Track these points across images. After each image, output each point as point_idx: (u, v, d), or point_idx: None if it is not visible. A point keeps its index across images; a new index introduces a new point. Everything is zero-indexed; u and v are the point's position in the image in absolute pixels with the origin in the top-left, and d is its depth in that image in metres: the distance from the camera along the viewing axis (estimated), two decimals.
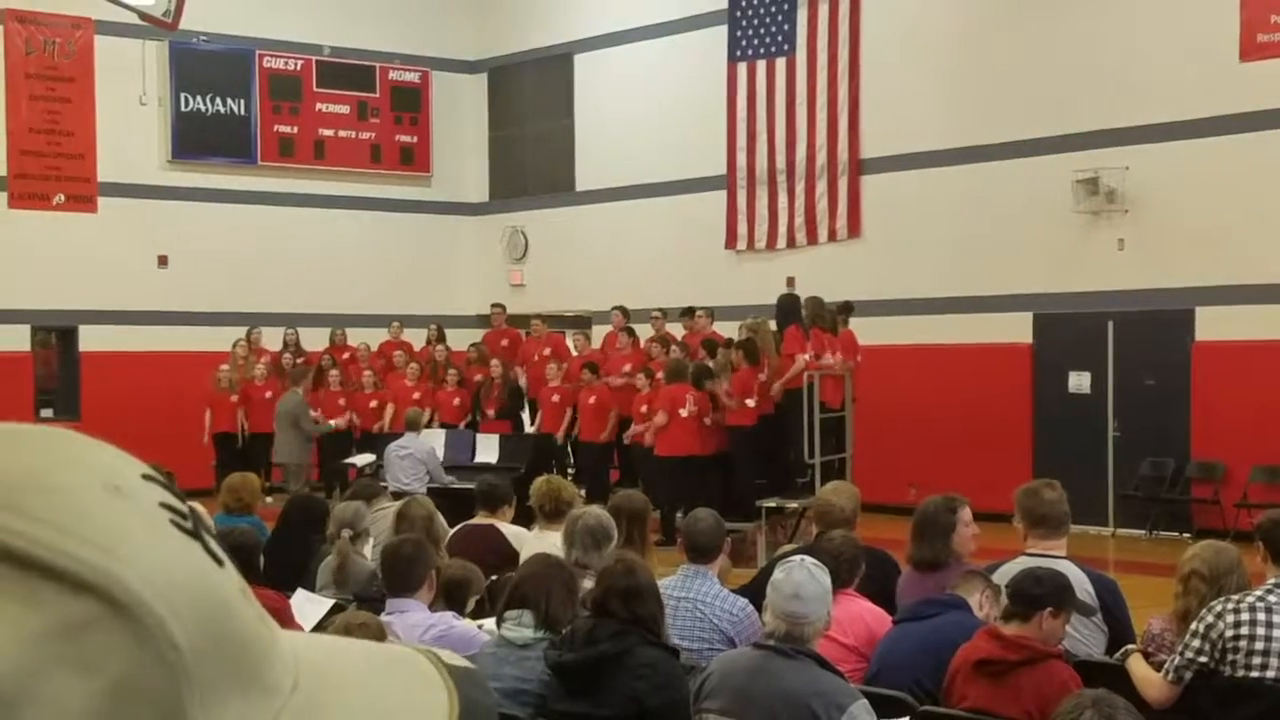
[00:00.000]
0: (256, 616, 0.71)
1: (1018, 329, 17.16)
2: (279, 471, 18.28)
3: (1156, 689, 5.32)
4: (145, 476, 0.71)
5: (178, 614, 0.65)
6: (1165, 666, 5.35)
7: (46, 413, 19.13)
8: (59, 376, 19.97)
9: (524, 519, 8.86)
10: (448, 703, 0.74)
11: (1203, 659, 5.23)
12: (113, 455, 0.71)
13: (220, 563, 0.70)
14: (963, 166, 17.54)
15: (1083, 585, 5.82)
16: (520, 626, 5.35)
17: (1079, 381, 16.76)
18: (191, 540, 0.69)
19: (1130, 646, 5.67)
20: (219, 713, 0.66)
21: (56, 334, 20.30)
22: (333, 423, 17.91)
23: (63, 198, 20.13)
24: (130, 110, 20.45)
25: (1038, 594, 5.15)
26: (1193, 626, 5.31)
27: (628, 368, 17.07)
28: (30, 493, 0.65)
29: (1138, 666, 5.47)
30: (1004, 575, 5.74)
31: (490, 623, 5.92)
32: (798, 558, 4.87)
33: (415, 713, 0.73)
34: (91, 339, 20.13)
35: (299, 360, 19.03)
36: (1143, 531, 15.93)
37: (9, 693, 0.61)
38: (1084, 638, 5.90)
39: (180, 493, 0.72)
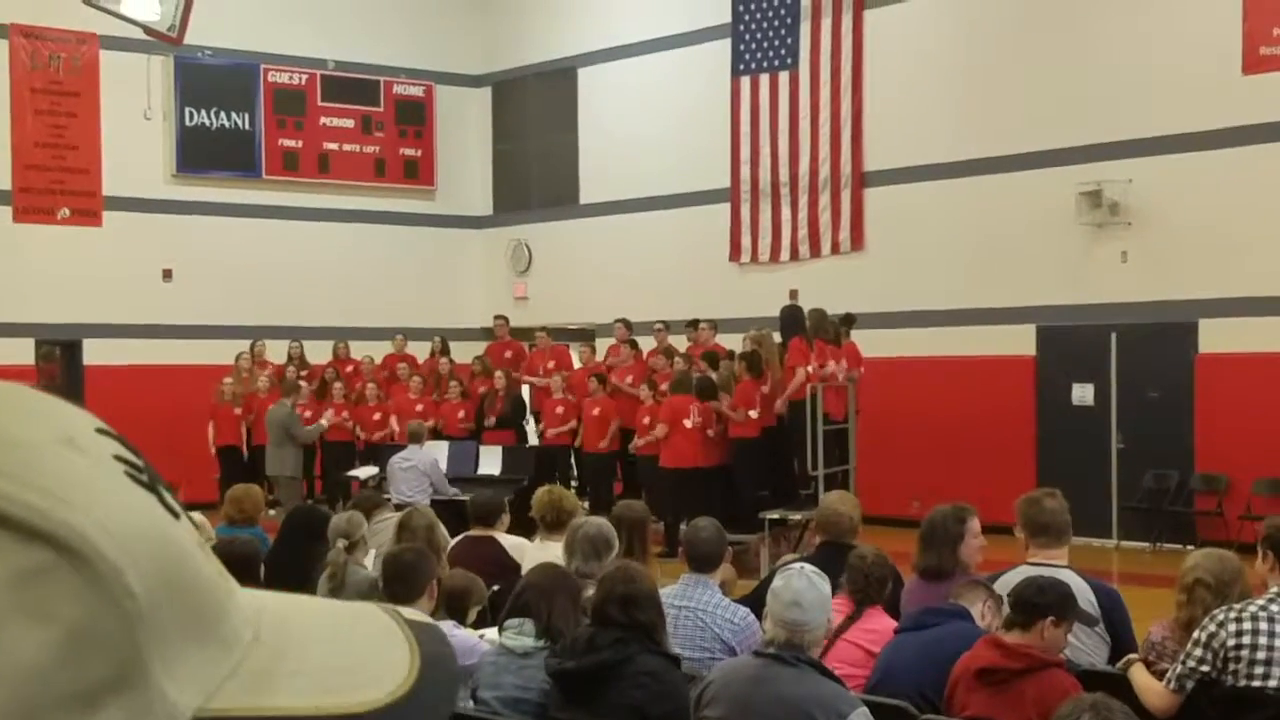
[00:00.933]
0: (215, 571, 0.71)
1: (1021, 341, 17.15)
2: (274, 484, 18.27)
3: (1158, 698, 5.31)
4: (99, 430, 0.70)
5: (135, 563, 0.65)
6: (1167, 676, 5.34)
7: None
8: (63, 390, 19.87)
9: (526, 529, 8.86)
10: (409, 655, 0.73)
11: (1205, 668, 5.22)
12: (65, 409, 0.71)
13: (176, 515, 0.70)
14: (966, 179, 17.56)
15: (1085, 595, 5.81)
16: (521, 635, 5.35)
17: (1082, 394, 16.75)
18: (148, 493, 0.69)
19: (1132, 656, 5.66)
20: (177, 663, 0.66)
21: (60, 347, 20.31)
22: (323, 420, 17.82)
23: (67, 212, 20.16)
24: (135, 124, 20.50)
25: (1040, 603, 5.14)
26: (1195, 635, 5.30)
27: (630, 379, 17.09)
28: None
29: (1139, 675, 5.46)
30: (1005, 585, 5.73)
31: (491, 633, 5.92)
32: (797, 566, 4.87)
33: (377, 665, 0.72)
34: (96, 352, 20.16)
35: (302, 373, 19.04)
36: (1146, 544, 15.91)
37: None
38: (1086, 648, 5.88)
39: (135, 448, 0.72)
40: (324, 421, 17.82)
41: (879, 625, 5.90)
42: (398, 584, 5.87)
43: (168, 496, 0.70)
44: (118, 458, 0.70)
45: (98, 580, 0.64)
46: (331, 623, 0.75)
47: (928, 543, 6.35)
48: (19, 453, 0.65)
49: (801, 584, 4.60)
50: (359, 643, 0.74)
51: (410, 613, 0.78)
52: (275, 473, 17.20)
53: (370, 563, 7.50)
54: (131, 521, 0.67)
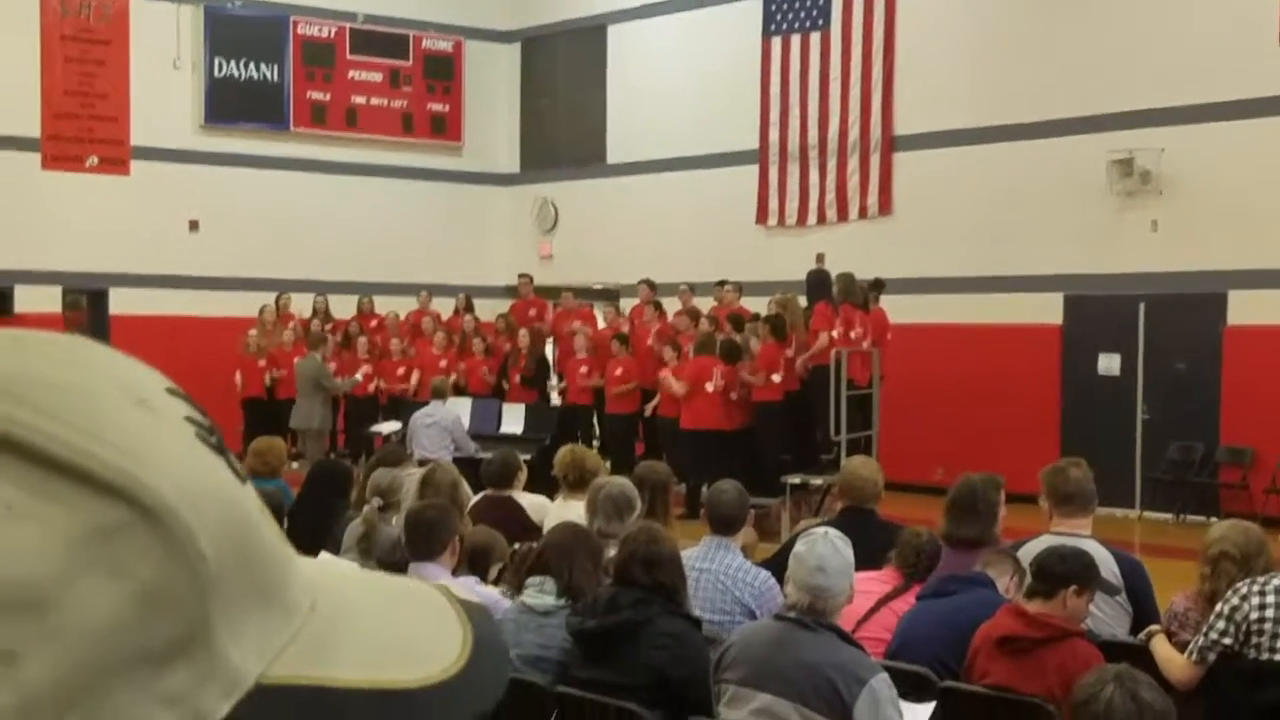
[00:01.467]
0: (276, 537, 0.70)
1: (1048, 310, 17.07)
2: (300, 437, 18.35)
3: (1180, 669, 5.30)
4: (170, 390, 0.70)
5: (205, 525, 0.64)
6: (1189, 648, 5.32)
7: None
8: (89, 339, 20.02)
9: (548, 488, 8.86)
10: (461, 634, 0.73)
11: (1227, 640, 5.20)
12: (137, 366, 0.70)
13: (243, 480, 0.70)
14: (996, 145, 17.43)
15: (1108, 564, 5.79)
16: (542, 594, 5.35)
17: (1109, 363, 16.67)
18: (217, 456, 0.69)
19: (1154, 627, 5.65)
20: (241, 627, 0.66)
21: (88, 296, 20.38)
22: (358, 376, 17.92)
23: (96, 160, 20.19)
24: (164, 74, 20.50)
25: (1062, 571, 5.12)
26: (1217, 608, 5.28)
27: (651, 340, 17.07)
28: (50, 391, 0.64)
29: (1161, 647, 5.44)
30: (1028, 554, 5.71)
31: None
32: (821, 530, 4.85)
33: (430, 642, 0.72)
34: (122, 302, 20.22)
35: (326, 326, 19.09)
36: (1170, 515, 15.86)
37: (39, 595, 0.60)
38: (1108, 617, 5.87)
39: (203, 409, 0.71)
40: (358, 377, 17.91)
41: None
42: (420, 541, 5.88)
43: (234, 460, 0.70)
44: (188, 419, 0.69)
45: (172, 541, 0.63)
46: (384, 597, 0.75)
47: (962, 512, 6.25)
48: (95, 409, 0.65)
49: (826, 549, 4.58)
50: (411, 618, 0.73)
51: (461, 593, 0.77)
52: (302, 426, 17.27)
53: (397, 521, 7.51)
54: (203, 484, 0.66)
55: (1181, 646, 5.40)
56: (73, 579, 0.61)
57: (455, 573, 5.97)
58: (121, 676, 0.61)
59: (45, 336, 0.68)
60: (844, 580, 4.63)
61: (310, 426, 17.22)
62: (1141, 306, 16.28)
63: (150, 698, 0.62)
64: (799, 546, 4.70)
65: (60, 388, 0.64)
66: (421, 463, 10.82)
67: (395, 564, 6.34)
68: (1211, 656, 5.24)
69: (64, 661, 0.60)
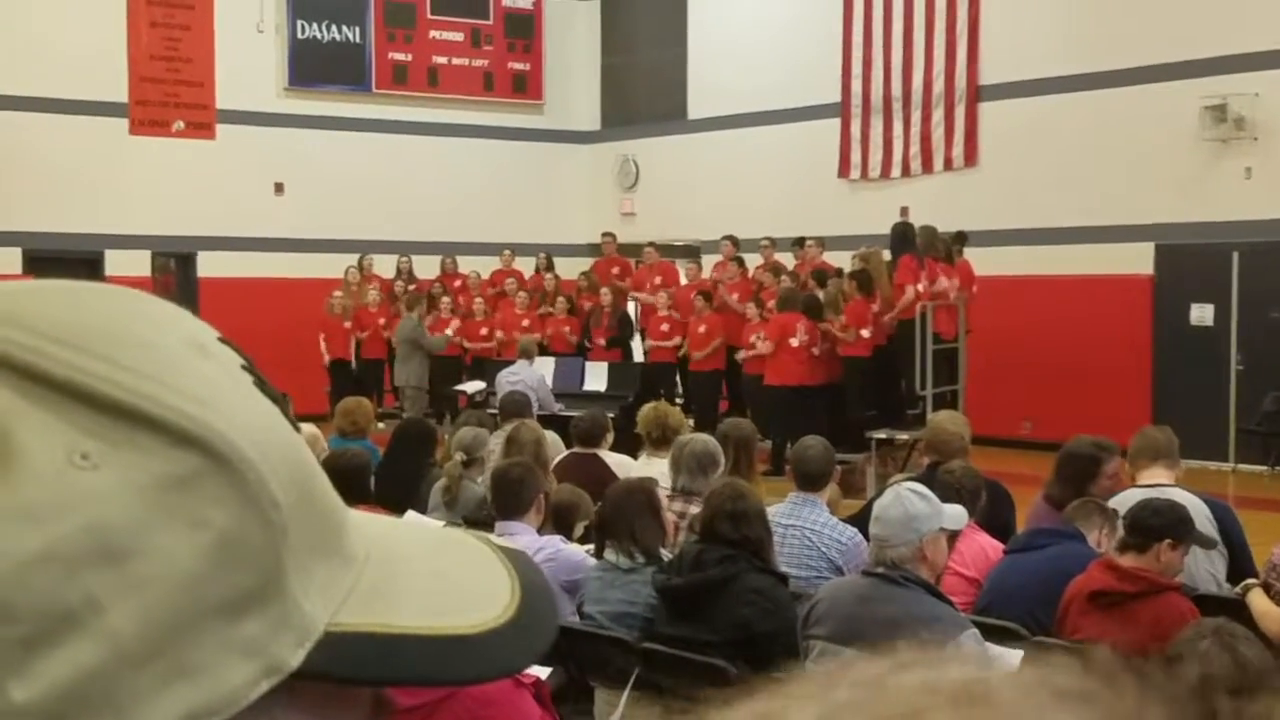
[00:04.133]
0: (330, 487, 0.70)
1: (1139, 260, 16.78)
2: (391, 397, 18.49)
3: (1277, 624, 5.20)
4: (221, 340, 0.70)
5: (275, 472, 0.64)
6: None
7: None
8: (178, 301, 19.94)
9: (631, 446, 8.86)
10: (509, 578, 0.73)
11: None
12: (188, 316, 0.70)
13: (298, 429, 0.70)
14: (1084, 93, 17.12)
15: (1201, 511, 5.71)
16: (622, 552, 5.36)
17: (1201, 314, 16.37)
18: (275, 404, 0.69)
19: (1250, 581, 5.55)
20: (310, 576, 0.66)
21: (176, 260, 20.64)
22: (448, 331, 18.16)
23: (182, 124, 20.39)
24: (248, 37, 20.64)
25: (1156, 524, 5.04)
26: None
27: (735, 296, 17.00)
28: (116, 342, 0.64)
29: (1259, 601, 5.35)
30: (1118, 507, 5.63)
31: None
32: (896, 483, 4.80)
33: (480, 589, 0.72)
34: (210, 265, 20.46)
35: (411, 287, 19.20)
36: (1265, 468, 15.59)
37: (121, 543, 0.60)
38: (1204, 570, 5.79)
39: (251, 359, 0.71)
40: (449, 332, 18.12)
41: (973, 549, 5.80)
42: (505, 498, 5.90)
43: (289, 409, 0.70)
44: (244, 367, 0.69)
45: (246, 488, 0.63)
46: (430, 547, 0.75)
47: (1061, 473, 6.22)
48: (161, 357, 0.64)
49: (888, 499, 4.55)
50: (459, 567, 0.74)
51: (500, 541, 0.78)
52: (404, 382, 17.62)
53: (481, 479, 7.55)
54: (269, 431, 0.66)
55: (1279, 597, 5.30)
56: (153, 528, 0.60)
57: (541, 530, 5.99)
58: (202, 626, 0.61)
59: (99, 288, 0.68)
60: (905, 531, 4.56)
61: (409, 384, 17.58)
62: (1235, 255, 15.97)
63: (230, 647, 0.62)
64: (883, 499, 4.66)
65: (124, 338, 0.64)
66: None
67: (480, 521, 6.37)
68: None
69: (148, 611, 0.60)
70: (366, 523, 0.73)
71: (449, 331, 18.15)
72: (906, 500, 4.59)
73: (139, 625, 0.59)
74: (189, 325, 0.68)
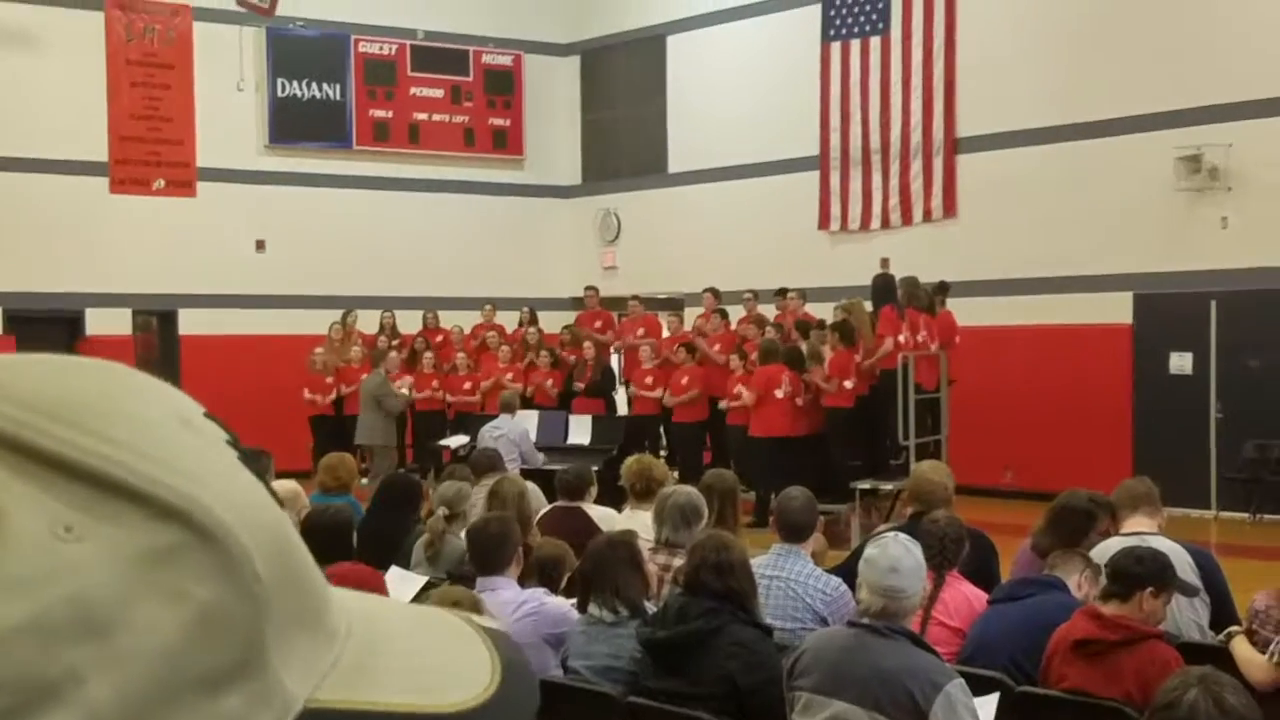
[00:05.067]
0: (313, 562, 0.70)
1: (1117, 309, 16.88)
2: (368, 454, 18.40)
3: (1261, 671, 5.21)
4: (206, 415, 0.70)
5: (258, 547, 0.64)
6: (1270, 649, 5.23)
7: None
8: (159, 359, 20.27)
9: (615, 499, 8.85)
10: (489, 659, 0.73)
11: None
12: (173, 390, 0.70)
13: (281, 504, 0.70)
14: (1061, 144, 17.27)
15: (1183, 559, 5.73)
16: (604, 607, 5.35)
17: (1180, 362, 16.46)
18: (258, 479, 0.69)
19: (1234, 628, 5.56)
20: (291, 651, 0.65)
21: (157, 317, 20.61)
22: (403, 389, 17.88)
23: (163, 183, 20.43)
24: (228, 96, 20.71)
25: (1138, 572, 5.05)
26: None
27: (719, 348, 17.04)
28: (101, 416, 0.64)
29: (1241, 648, 5.36)
30: (1099, 557, 5.65)
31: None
32: (891, 533, 4.81)
33: (460, 666, 0.72)
34: (191, 322, 20.44)
35: (393, 343, 19.18)
36: (1246, 515, 15.63)
37: (104, 617, 0.60)
38: (1187, 617, 5.80)
39: (237, 435, 0.71)
40: (404, 390, 17.87)
41: (957, 598, 5.81)
42: (484, 555, 5.88)
43: (271, 486, 0.70)
44: (228, 442, 0.69)
45: (229, 563, 0.63)
46: (411, 623, 0.75)
47: (1052, 524, 6.22)
48: (146, 432, 0.64)
49: (899, 550, 4.54)
50: (441, 645, 0.74)
51: (482, 619, 0.78)
52: (365, 441, 17.32)
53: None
54: (252, 505, 0.66)
55: (1263, 644, 5.31)
56: (135, 601, 0.60)
57: (525, 584, 5.98)
58: (181, 700, 0.61)
59: (88, 362, 0.68)
60: (917, 582, 4.58)
61: (374, 442, 17.27)
62: (1213, 304, 16.08)
63: None
64: (870, 550, 4.65)
65: (110, 412, 0.64)
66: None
67: (463, 576, 6.36)
68: None
69: (128, 684, 0.59)
70: (349, 599, 0.73)
71: (404, 389, 17.86)
72: (914, 551, 4.61)
73: (118, 698, 0.59)
74: (175, 400, 0.69)
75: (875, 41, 19.34)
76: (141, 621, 0.60)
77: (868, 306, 15.87)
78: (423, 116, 22.57)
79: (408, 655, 0.71)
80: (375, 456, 17.28)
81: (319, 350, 18.96)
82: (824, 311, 16.78)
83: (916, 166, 18.96)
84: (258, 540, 0.64)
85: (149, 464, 0.62)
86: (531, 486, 8.36)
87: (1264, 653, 5.27)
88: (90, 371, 0.67)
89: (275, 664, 0.64)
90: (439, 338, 19.71)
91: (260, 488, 0.68)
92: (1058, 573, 5.58)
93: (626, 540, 5.72)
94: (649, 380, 17.35)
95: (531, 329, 19.31)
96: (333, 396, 18.66)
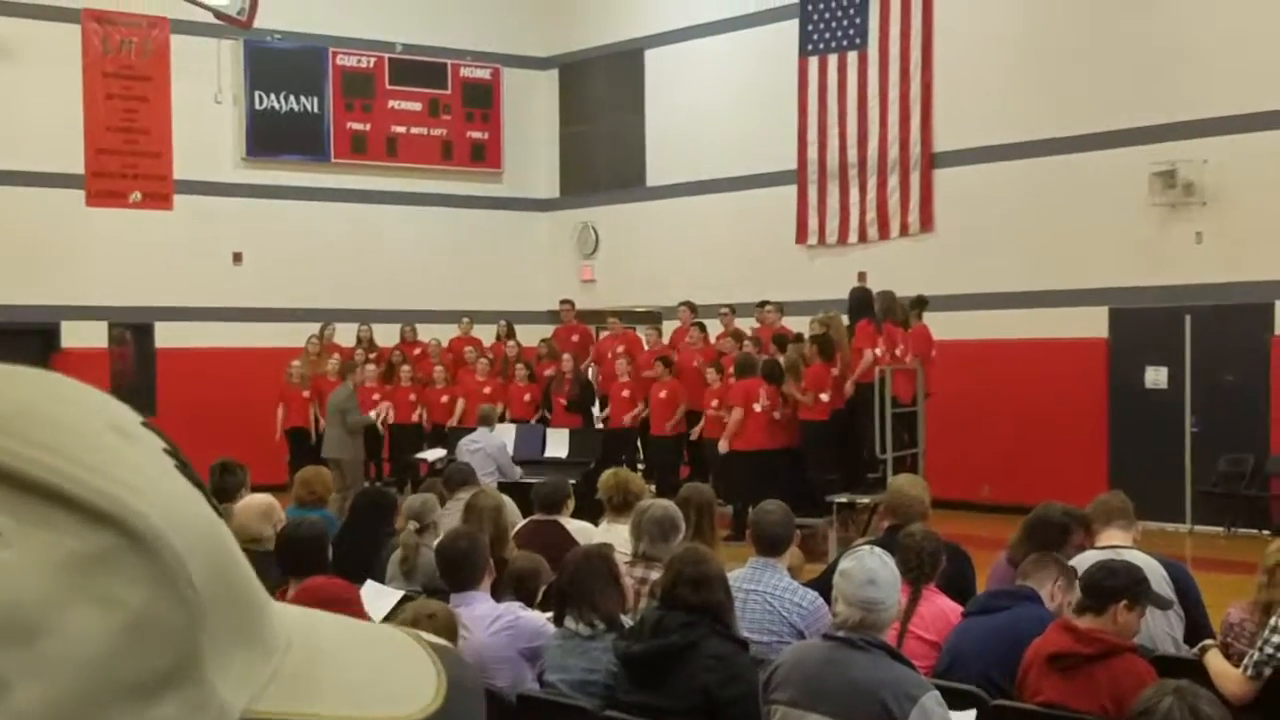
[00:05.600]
0: (252, 574, 0.70)
1: (1093, 323, 16.95)
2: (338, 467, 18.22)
3: (1235, 684, 5.23)
4: (144, 423, 0.69)
5: (193, 554, 0.64)
6: (1244, 662, 5.25)
7: None
8: (135, 373, 20.20)
9: (593, 512, 8.84)
10: (434, 675, 0.73)
11: None
12: (109, 399, 0.69)
13: (220, 515, 0.69)
14: (1036, 159, 17.34)
15: (1157, 572, 5.75)
16: (581, 621, 5.35)
17: (1155, 377, 16.52)
18: (196, 488, 0.68)
19: (1208, 641, 5.58)
20: (227, 660, 0.65)
21: (133, 330, 20.53)
22: (372, 414, 17.70)
23: (139, 195, 20.37)
24: (205, 108, 20.67)
25: (1112, 586, 5.07)
26: (1272, 622, 5.21)
27: (697, 362, 17.06)
28: (33, 422, 0.63)
29: (1215, 661, 5.38)
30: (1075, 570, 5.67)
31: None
32: (866, 547, 4.82)
33: (403, 682, 0.72)
34: (167, 335, 20.37)
35: (371, 356, 19.12)
36: (1221, 529, 15.70)
37: (30, 621, 0.59)
38: (1161, 630, 5.82)
39: (176, 445, 0.71)
40: (374, 414, 17.67)
41: (934, 612, 5.82)
42: (455, 572, 5.86)
43: (209, 495, 0.69)
44: (166, 451, 0.69)
45: (162, 569, 0.62)
46: (354, 638, 0.75)
47: (1029, 536, 6.25)
48: (79, 437, 0.64)
49: (875, 563, 4.55)
50: (383, 660, 0.73)
51: (429, 637, 0.77)
52: (333, 455, 17.09)
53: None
54: (188, 513, 0.66)
55: (1237, 657, 5.33)
56: (63, 606, 0.60)
57: (502, 598, 5.96)
58: (113, 708, 0.60)
59: (21, 371, 0.68)
60: (894, 593, 4.59)
61: (342, 456, 16.97)
62: (1187, 319, 16.15)
63: None
64: (845, 563, 4.66)
65: (42, 419, 0.64)
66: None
67: (440, 589, 6.35)
68: (1267, 671, 5.17)
69: (56, 691, 0.59)
70: (289, 612, 0.72)
71: (374, 414, 17.72)
72: (890, 563, 4.63)
73: (46, 704, 0.58)
74: (110, 408, 0.68)
75: (853, 56, 19.41)
76: (71, 627, 0.60)
77: (845, 321, 15.90)
78: (401, 129, 22.56)
79: (349, 669, 0.71)
80: (344, 470, 17.12)
81: (296, 363, 18.88)
82: (801, 325, 16.81)
83: (894, 181, 19.01)
84: (193, 547, 0.64)
85: (78, 469, 0.62)
86: (507, 500, 8.35)
87: (1238, 666, 5.29)
88: (21, 379, 0.67)
89: (211, 673, 0.64)
90: (416, 351, 19.68)
91: (198, 497, 0.68)
92: (1030, 581, 5.60)
93: (602, 553, 5.72)
94: (626, 394, 17.35)
95: (509, 342, 19.30)
96: (313, 414, 18.47)
